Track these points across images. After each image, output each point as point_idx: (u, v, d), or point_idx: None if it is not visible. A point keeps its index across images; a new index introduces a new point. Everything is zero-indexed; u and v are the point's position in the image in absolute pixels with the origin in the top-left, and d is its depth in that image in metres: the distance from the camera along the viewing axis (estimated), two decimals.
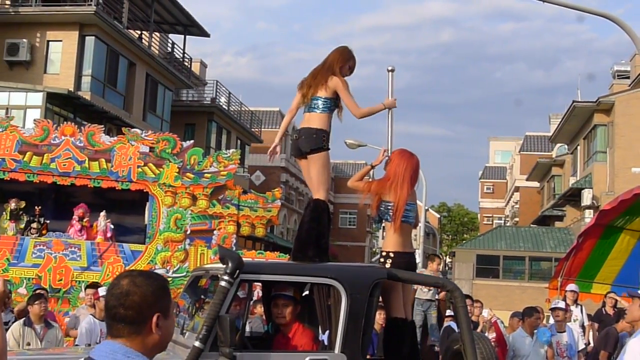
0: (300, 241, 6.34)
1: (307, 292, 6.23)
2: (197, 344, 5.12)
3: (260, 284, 7.50)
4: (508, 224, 66.39)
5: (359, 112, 6.50)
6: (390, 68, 6.88)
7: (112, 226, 13.11)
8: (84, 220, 13.02)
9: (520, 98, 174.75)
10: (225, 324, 5.09)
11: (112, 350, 2.62)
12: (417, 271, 7.14)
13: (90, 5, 26.55)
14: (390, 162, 6.45)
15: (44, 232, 12.96)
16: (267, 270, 5.94)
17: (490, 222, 78.96)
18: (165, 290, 2.75)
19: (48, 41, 27.53)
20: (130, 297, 2.63)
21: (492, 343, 9.41)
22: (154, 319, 2.65)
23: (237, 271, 5.30)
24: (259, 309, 9.85)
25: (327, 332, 5.65)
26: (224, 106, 39.27)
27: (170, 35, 36.51)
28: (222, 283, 5.27)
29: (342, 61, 6.57)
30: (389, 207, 6.27)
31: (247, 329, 7.48)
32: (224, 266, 5.34)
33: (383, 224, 6.52)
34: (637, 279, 13.39)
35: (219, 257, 5.54)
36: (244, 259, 5.50)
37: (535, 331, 9.98)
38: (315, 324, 5.87)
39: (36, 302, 9.22)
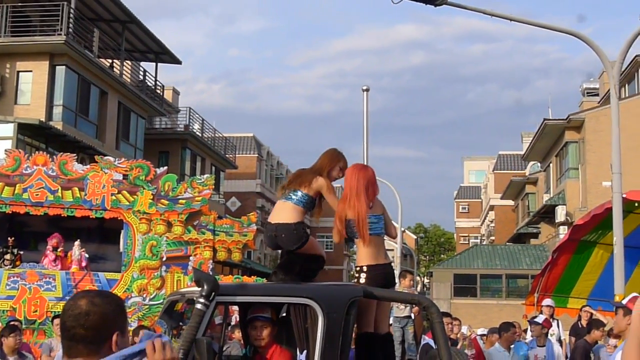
0: (286, 261, 6.34)
1: (284, 314, 6.22)
2: None
3: (237, 307, 7.49)
4: (484, 243, 66.70)
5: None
6: (364, 88, 6.96)
7: (86, 255, 13.02)
8: (58, 250, 12.92)
9: (520, 96, 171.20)
10: (202, 347, 5.06)
11: None
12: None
13: (60, 34, 26.45)
14: (345, 179, 6.46)
15: (17, 263, 12.83)
16: (243, 292, 5.92)
17: (467, 242, 79.32)
18: (122, 309, 2.77)
19: (18, 71, 27.38)
20: (91, 317, 2.63)
21: (471, 359, 9.46)
22: (114, 337, 2.65)
23: (213, 293, 5.29)
24: (237, 334, 9.81)
25: (304, 352, 5.65)
26: (197, 133, 39.22)
27: (142, 63, 36.45)
28: (198, 306, 5.24)
29: (331, 164, 6.43)
30: (352, 224, 6.29)
31: (226, 353, 7.44)
32: (200, 289, 5.32)
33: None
34: (612, 293, 13.50)
35: (194, 280, 5.52)
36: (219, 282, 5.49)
37: (512, 346, 10.05)
38: (293, 344, 5.86)
39: (11, 335, 9.15)
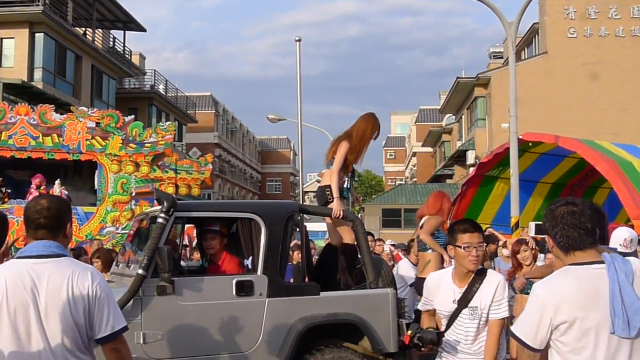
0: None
1: (234, 230, 6.30)
2: (140, 271, 5.15)
3: (194, 225, 7.55)
4: (408, 184, 67.44)
5: (333, 172, 6.34)
6: (297, 38, 6.92)
7: (66, 192, 12.85)
8: (41, 188, 12.74)
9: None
10: (163, 254, 5.12)
11: (40, 245, 2.93)
12: None
13: (38, 5, 25.70)
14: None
15: (5, 199, 12.65)
16: (197, 208, 5.98)
17: (394, 184, 79.96)
18: (70, 208, 3.18)
19: (1, 38, 26.59)
20: (51, 210, 3.00)
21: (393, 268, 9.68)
22: (68, 226, 3.05)
23: (172, 209, 5.34)
24: (196, 255, 9.85)
25: (250, 258, 5.76)
26: (162, 92, 38.67)
27: (112, 32, 35.64)
28: (159, 220, 5.30)
29: (363, 126, 6.55)
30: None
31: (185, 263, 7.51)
32: (160, 206, 5.36)
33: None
34: (510, 218, 13.86)
35: (155, 198, 5.56)
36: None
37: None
38: (240, 253, 5.96)
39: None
